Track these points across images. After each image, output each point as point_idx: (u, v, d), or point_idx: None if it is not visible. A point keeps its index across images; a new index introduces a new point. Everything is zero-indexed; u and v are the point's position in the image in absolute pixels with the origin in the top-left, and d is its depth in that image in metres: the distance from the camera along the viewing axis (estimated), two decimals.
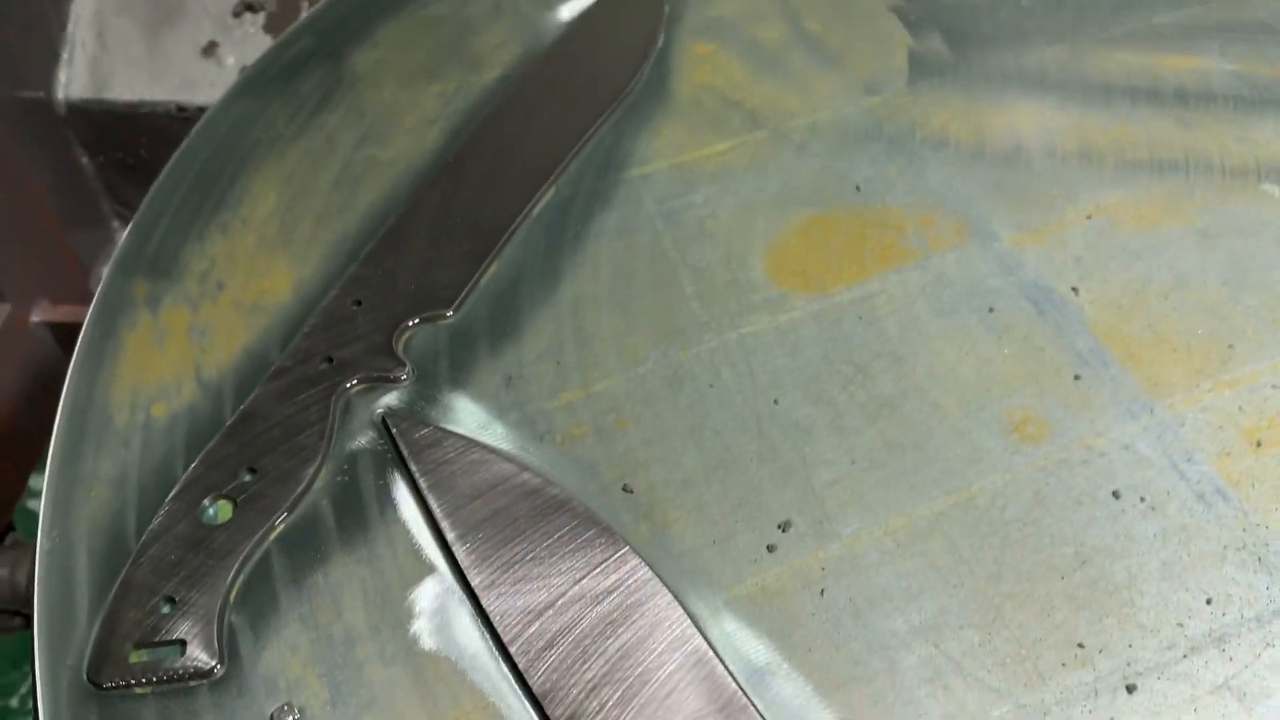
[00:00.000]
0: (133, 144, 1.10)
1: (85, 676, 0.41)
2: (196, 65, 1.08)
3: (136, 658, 0.41)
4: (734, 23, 0.70)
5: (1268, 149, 0.60)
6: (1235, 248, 0.55)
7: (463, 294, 0.54)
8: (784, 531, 0.45)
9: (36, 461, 0.97)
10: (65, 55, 1.08)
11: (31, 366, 0.97)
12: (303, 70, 0.67)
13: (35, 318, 0.97)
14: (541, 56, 0.67)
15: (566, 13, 0.70)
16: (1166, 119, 0.63)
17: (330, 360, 0.51)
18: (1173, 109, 0.63)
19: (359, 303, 0.53)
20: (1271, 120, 0.62)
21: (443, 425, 0.49)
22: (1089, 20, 0.69)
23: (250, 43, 1.08)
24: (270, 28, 1.08)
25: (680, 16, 0.70)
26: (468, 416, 0.49)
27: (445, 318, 0.53)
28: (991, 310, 0.53)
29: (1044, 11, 0.70)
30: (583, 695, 0.40)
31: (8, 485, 0.94)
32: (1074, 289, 0.54)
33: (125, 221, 1.15)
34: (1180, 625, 0.42)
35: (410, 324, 0.52)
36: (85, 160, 1.12)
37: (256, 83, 0.66)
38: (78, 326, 0.54)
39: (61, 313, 0.99)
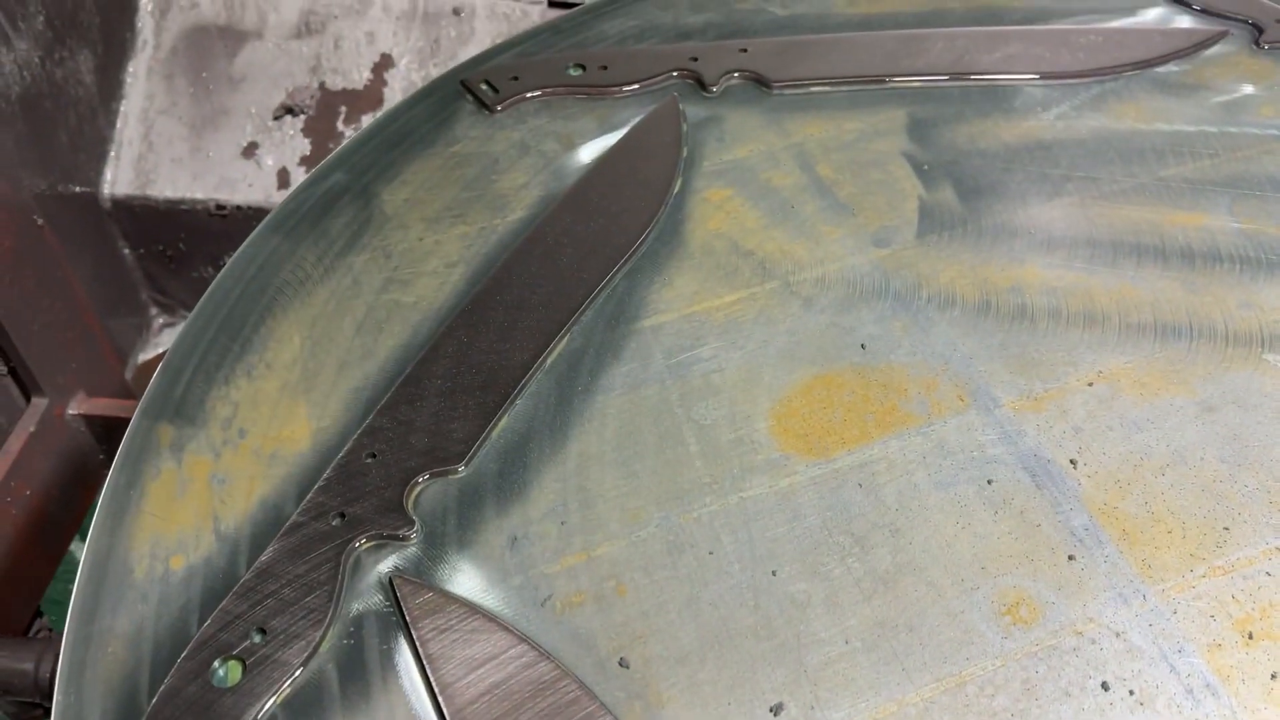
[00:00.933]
0: (172, 238, 1.14)
1: None
2: (236, 165, 1.12)
3: None
4: (749, 168, 0.72)
5: (1271, 315, 0.61)
6: (1235, 422, 0.56)
7: (474, 447, 0.56)
8: (775, 715, 0.46)
9: (66, 551, 1.00)
10: (113, 153, 1.12)
11: (66, 458, 1.00)
12: (333, 208, 0.70)
13: (72, 410, 1.01)
14: (561, 201, 0.69)
15: (588, 154, 0.73)
16: (1172, 280, 0.64)
17: (343, 515, 0.52)
18: (1179, 270, 0.64)
19: (374, 455, 0.55)
20: (1277, 285, 0.63)
21: (447, 587, 0.50)
22: (1098, 173, 0.70)
23: (289, 145, 1.12)
24: (309, 131, 1.12)
25: (697, 161, 0.73)
26: (472, 578, 0.51)
27: (456, 472, 0.55)
28: (990, 482, 0.54)
29: (1050, 160, 0.71)
30: None
31: (38, 574, 0.97)
32: (1072, 461, 0.55)
33: (162, 309, 1.19)
34: None
35: (421, 479, 0.54)
36: (126, 252, 1.16)
37: (288, 220, 0.69)
38: (113, 419, 0.56)
39: (97, 405, 1.02)
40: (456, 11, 1.11)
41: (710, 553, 0.52)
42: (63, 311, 1.01)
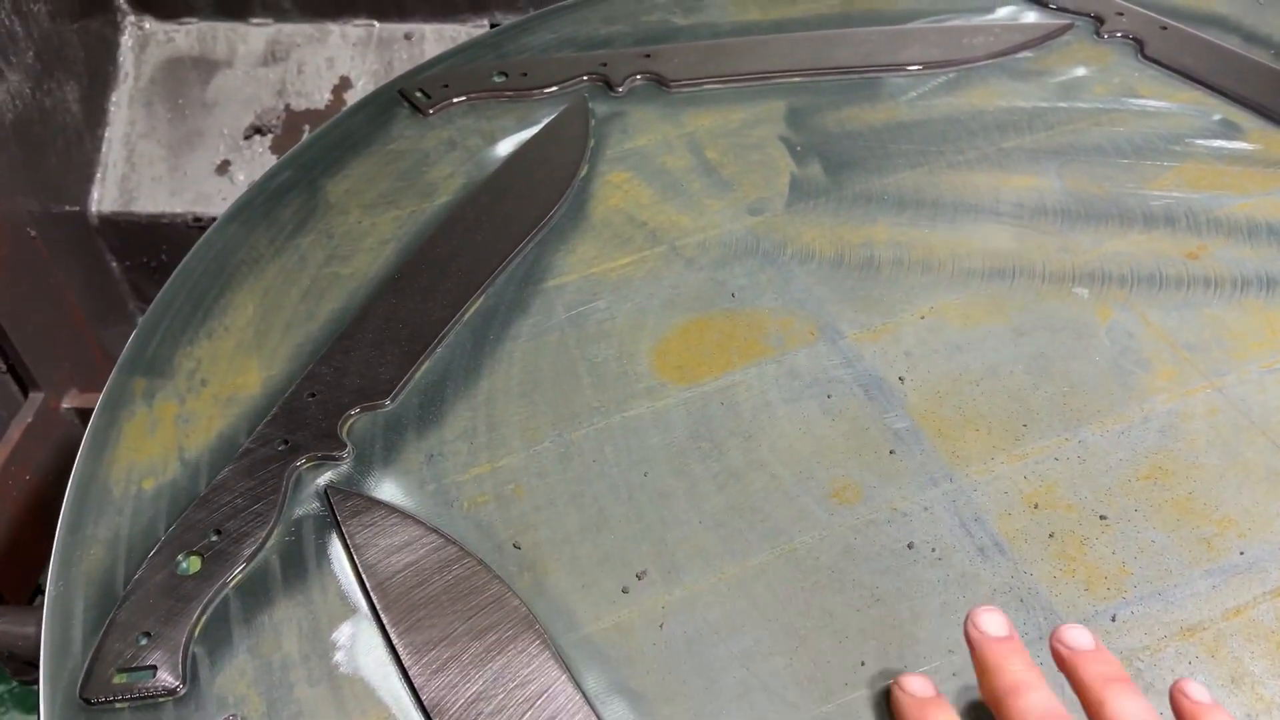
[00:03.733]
0: (155, 250, 1.25)
1: (78, 695, 0.52)
2: (211, 181, 1.23)
3: (119, 680, 0.53)
4: (647, 154, 0.83)
5: (1083, 256, 0.72)
6: (1043, 342, 0.66)
7: (398, 387, 0.66)
8: (640, 579, 0.56)
9: None
10: (99, 174, 1.23)
11: (61, 446, 1.10)
12: (283, 199, 0.81)
13: (66, 404, 1.11)
14: (480, 185, 0.80)
15: (506, 147, 0.84)
16: (1003, 232, 0.74)
17: (286, 442, 0.63)
18: (1010, 224, 0.75)
19: (313, 395, 0.65)
20: (1091, 232, 0.73)
21: (373, 495, 0.60)
22: (946, 147, 0.81)
23: (258, 161, 1.23)
24: (276, 148, 1.23)
25: (602, 150, 0.83)
26: (395, 488, 0.61)
27: (383, 406, 0.65)
28: (829, 397, 0.64)
29: (907, 138, 0.82)
30: (464, 706, 0.51)
31: (37, 550, 1.06)
32: (900, 378, 0.65)
33: None
34: (951, 652, 0.52)
35: (353, 412, 0.64)
36: (114, 264, 1.26)
37: (244, 210, 0.80)
38: None
39: (89, 399, 1.12)
40: (408, 36, 1.22)
41: (594, 460, 0.62)
42: (56, 316, 1.11)
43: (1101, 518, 0.57)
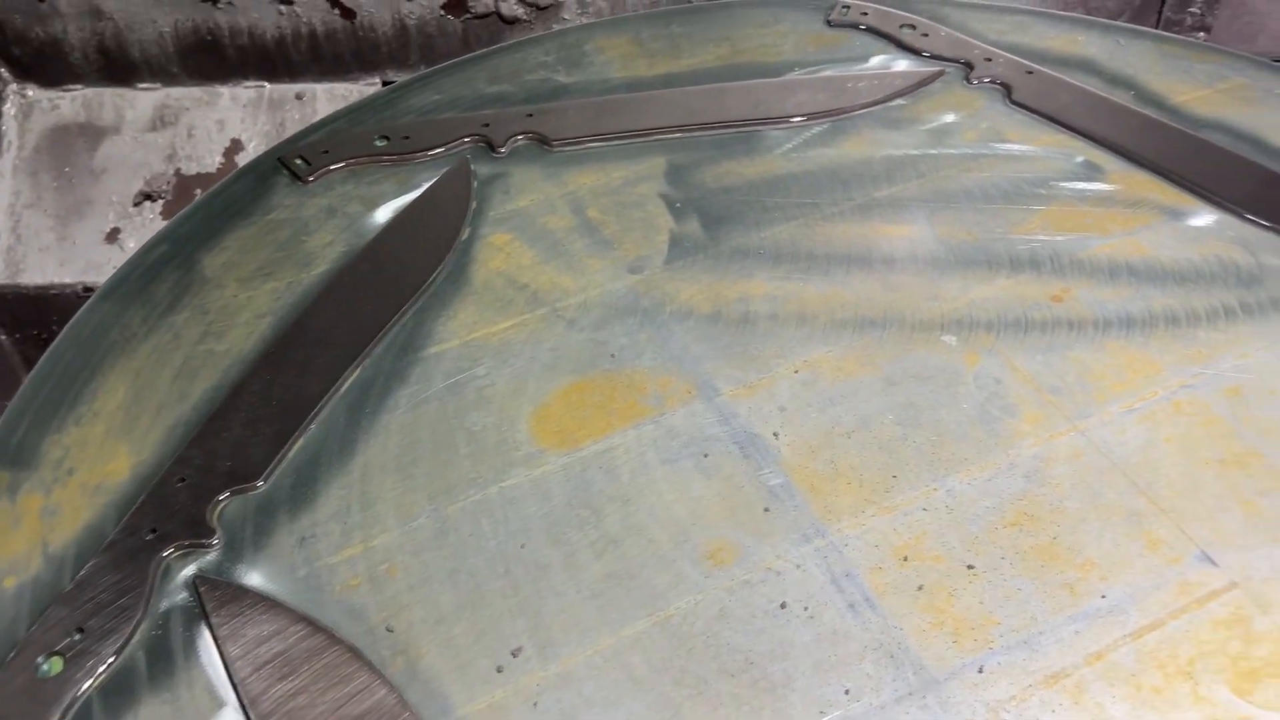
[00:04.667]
0: (45, 321, 1.22)
1: None
2: (101, 250, 1.20)
3: None
4: (529, 215, 0.83)
5: (952, 304, 0.73)
6: (912, 391, 0.68)
7: (271, 467, 0.65)
8: (515, 656, 0.55)
9: None
10: None
11: None
12: (159, 275, 0.79)
13: None
14: (359, 253, 0.79)
15: (387, 213, 0.83)
16: (874, 282, 0.75)
17: (154, 531, 0.61)
18: (881, 273, 0.76)
19: (183, 480, 0.64)
20: (960, 279, 0.75)
21: (243, 583, 0.59)
22: (822, 199, 0.83)
23: (149, 228, 1.21)
24: (167, 214, 1.21)
25: (484, 212, 0.83)
26: (265, 574, 0.60)
27: (255, 488, 0.64)
28: (706, 455, 0.64)
29: (783, 191, 0.83)
30: None
31: None
32: (775, 433, 0.65)
33: None
34: (821, 713, 0.52)
35: (223, 497, 0.63)
36: (3, 337, 1.23)
37: (118, 288, 0.78)
38: None
39: None
40: (299, 96, 1.21)
41: (470, 534, 0.61)
42: None
43: (969, 567, 0.58)
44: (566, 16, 1.20)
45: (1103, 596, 0.56)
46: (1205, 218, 0.79)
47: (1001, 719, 0.52)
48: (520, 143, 0.90)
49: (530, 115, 0.92)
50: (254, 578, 0.59)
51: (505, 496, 0.63)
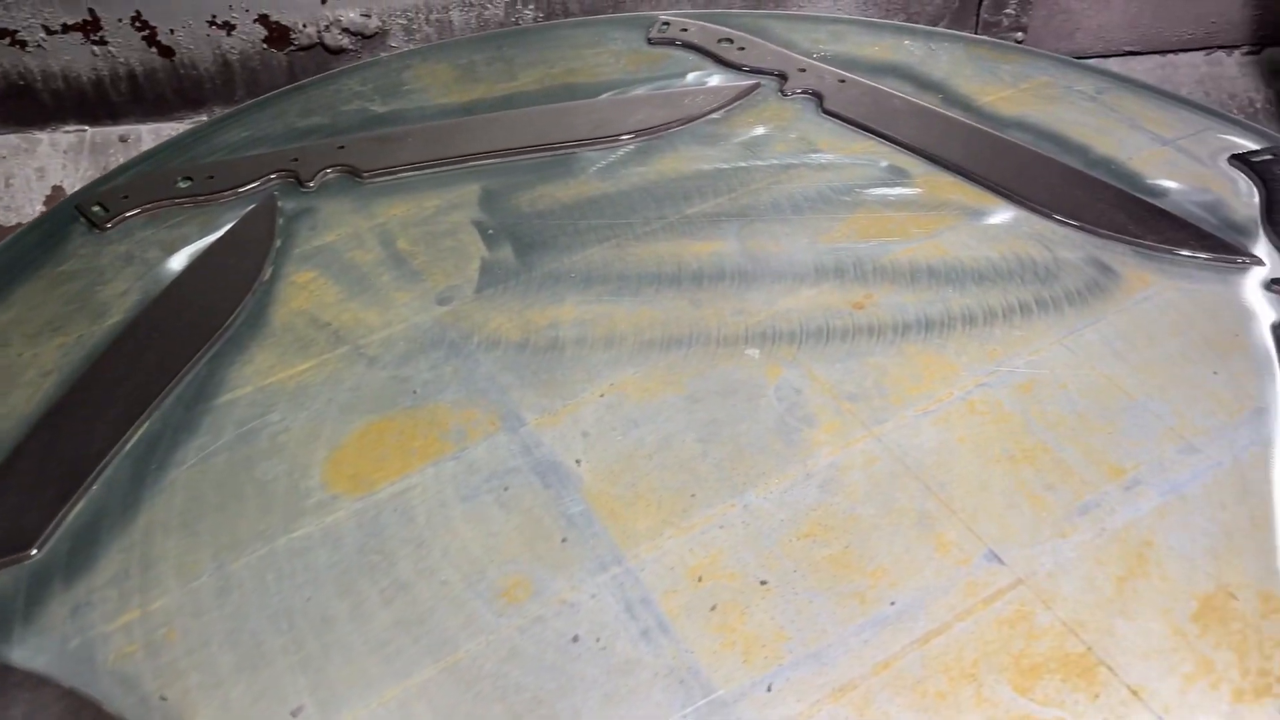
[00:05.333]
0: None
1: None
2: None
3: None
4: (335, 250, 0.81)
5: (756, 317, 0.73)
6: (715, 407, 0.67)
7: (46, 533, 0.61)
8: (295, 716, 0.53)
9: None
10: None
11: None
12: None
13: None
14: (153, 300, 0.76)
15: (187, 257, 0.80)
16: (682, 300, 0.75)
17: None
18: (689, 291, 0.76)
19: None
20: (765, 291, 0.75)
21: (11, 659, 0.56)
22: (635, 219, 0.82)
23: None
24: None
25: (289, 249, 0.81)
26: (34, 648, 0.56)
27: (29, 557, 0.61)
28: (506, 489, 0.63)
29: (598, 213, 0.83)
30: None
31: None
32: (577, 460, 0.64)
33: None
34: None
35: None
36: None
37: None
38: None
39: None
40: (123, 139, 1.17)
41: (254, 590, 0.59)
42: None
43: (762, 583, 0.58)
44: (394, 44, 1.18)
45: (892, 603, 0.56)
46: (1004, 216, 0.81)
47: None
48: (330, 176, 0.88)
49: (342, 147, 0.90)
50: (22, 652, 0.56)
51: (293, 548, 0.61)
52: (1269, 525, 0.59)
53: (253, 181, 0.87)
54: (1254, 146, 0.86)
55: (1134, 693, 0.52)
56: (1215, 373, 0.68)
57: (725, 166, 0.87)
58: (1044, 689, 0.52)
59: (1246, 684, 0.52)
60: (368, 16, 1.15)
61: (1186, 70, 1.22)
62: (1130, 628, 0.55)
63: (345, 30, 1.15)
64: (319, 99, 0.98)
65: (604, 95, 0.95)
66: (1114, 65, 1.25)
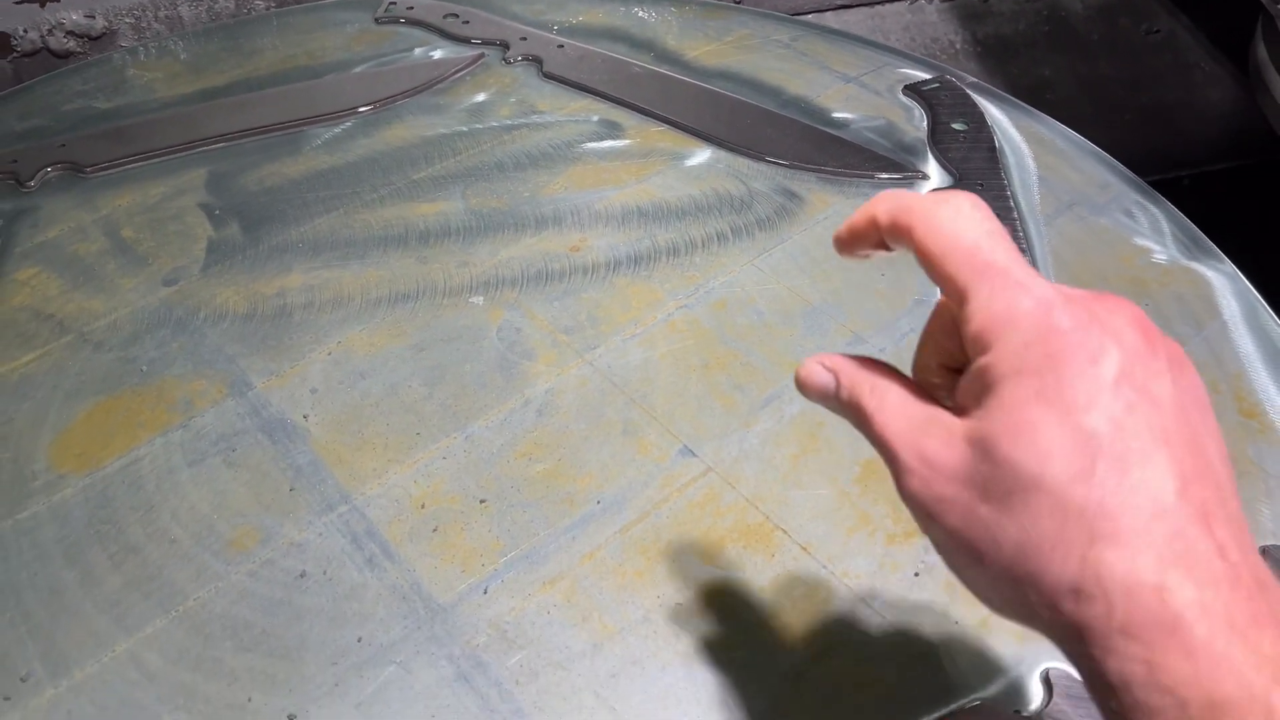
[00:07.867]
0: None
1: None
2: None
3: None
4: (57, 245, 0.81)
5: (481, 267, 0.78)
6: (439, 354, 0.71)
7: None
8: (24, 682, 0.54)
9: None
10: None
11: None
12: None
13: None
14: None
15: None
16: (409, 258, 0.79)
17: None
18: (415, 249, 0.80)
19: None
20: (489, 244, 0.80)
21: None
22: (362, 187, 0.85)
23: None
24: None
25: (9, 249, 0.80)
26: None
27: None
28: (234, 450, 0.65)
29: (325, 185, 0.85)
30: None
31: None
32: (305, 416, 0.67)
33: None
34: (333, 663, 0.55)
35: None
36: None
37: None
38: None
39: None
40: None
41: None
42: None
43: (481, 501, 0.62)
44: (124, 44, 1.16)
45: (598, 503, 0.62)
46: (706, 157, 0.88)
47: (503, 629, 0.56)
48: (51, 174, 0.87)
49: (63, 145, 0.89)
50: None
51: (20, 529, 0.61)
52: None
53: None
54: (925, 77, 0.96)
55: (804, 549, 0.59)
56: (883, 274, 0.76)
57: (450, 132, 0.91)
58: (727, 556, 0.59)
59: (899, 529, 0.60)
60: (92, 18, 1.13)
61: (893, 19, 1.34)
62: (801, 495, 0.62)
63: (70, 33, 1.13)
64: (39, 102, 0.96)
65: (329, 75, 0.98)
66: (830, 19, 1.36)
